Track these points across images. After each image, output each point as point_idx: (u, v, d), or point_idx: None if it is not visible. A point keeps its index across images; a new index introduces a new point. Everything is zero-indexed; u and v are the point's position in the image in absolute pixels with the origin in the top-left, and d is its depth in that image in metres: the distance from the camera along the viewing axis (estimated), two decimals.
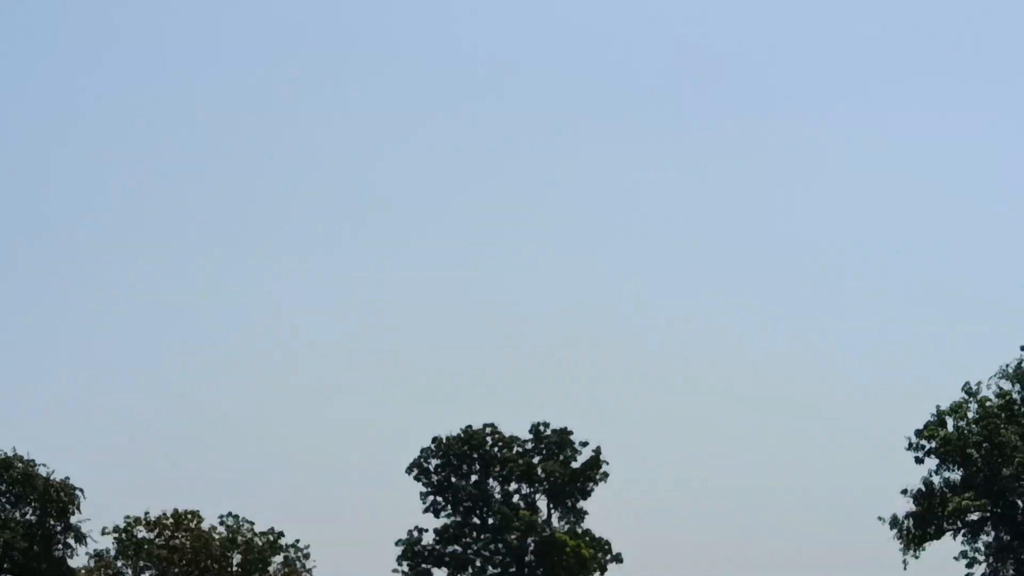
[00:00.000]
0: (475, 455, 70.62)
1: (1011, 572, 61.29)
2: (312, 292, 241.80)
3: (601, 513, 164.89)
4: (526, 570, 68.89)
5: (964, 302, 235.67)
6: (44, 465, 52.15)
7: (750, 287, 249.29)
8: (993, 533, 61.29)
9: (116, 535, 64.13)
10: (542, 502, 70.99)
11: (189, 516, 65.40)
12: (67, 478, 52.56)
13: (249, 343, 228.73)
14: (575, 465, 70.37)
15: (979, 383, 61.49)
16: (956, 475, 61.00)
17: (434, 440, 71.06)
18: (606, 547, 69.66)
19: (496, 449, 71.00)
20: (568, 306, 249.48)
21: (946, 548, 63.03)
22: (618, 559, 70.08)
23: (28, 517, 52.40)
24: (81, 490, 52.55)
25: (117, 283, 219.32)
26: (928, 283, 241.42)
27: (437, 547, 69.83)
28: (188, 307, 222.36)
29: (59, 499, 51.89)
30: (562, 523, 70.56)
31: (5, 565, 51.01)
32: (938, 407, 61.88)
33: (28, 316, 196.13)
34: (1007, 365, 61.20)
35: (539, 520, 69.12)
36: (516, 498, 70.80)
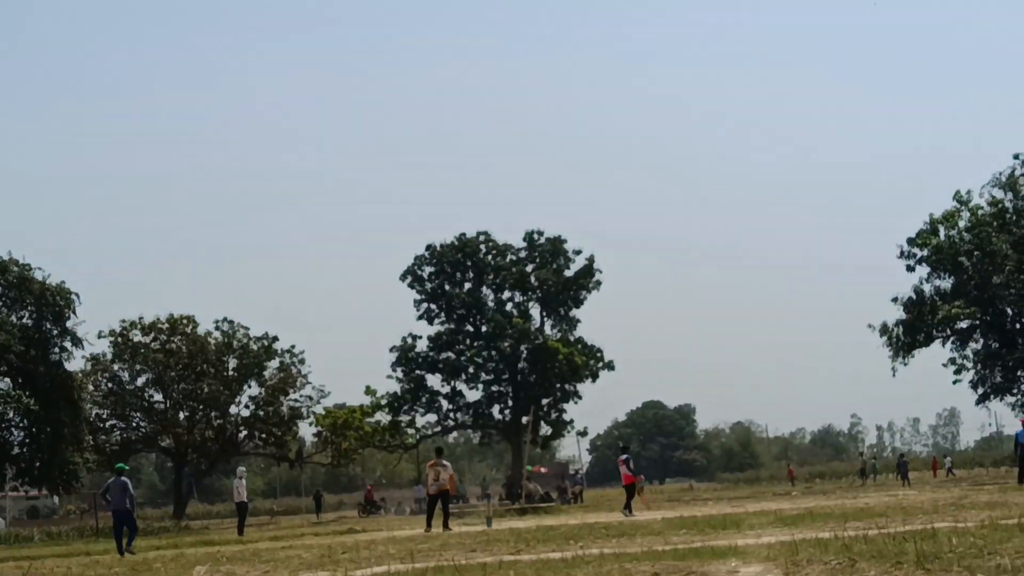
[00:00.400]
0: (469, 263, 70.78)
1: (998, 379, 62.31)
2: (303, 88, 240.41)
3: (593, 321, 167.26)
4: (519, 377, 69.63)
5: (957, 109, 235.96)
6: (40, 269, 52.00)
7: (745, 88, 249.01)
8: (982, 340, 62.16)
9: (112, 339, 64.56)
10: (535, 310, 71.46)
11: (184, 321, 65.72)
12: (63, 282, 52.45)
13: (243, 152, 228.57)
14: (568, 273, 70.60)
15: (969, 192, 61.65)
16: (947, 283, 61.62)
17: (428, 247, 71.11)
18: (598, 355, 70.27)
19: (490, 257, 71.15)
20: (564, 114, 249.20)
21: (935, 355, 63.92)
22: (610, 366, 70.75)
23: (24, 321, 52.33)
24: (77, 294, 52.44)
25: (108, 72, 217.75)
26: (923, 89, 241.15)
27: (431, 354, 70.40)
28: (178, 98, 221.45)
29: (55, 303, 51.72)
30: (555, 331, 71.13)
31: (3, 368, 51.27)
32: (931, 215, 62.21)
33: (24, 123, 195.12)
34: (999, 173, 61.32)
35: (532, 328, 69.59)
36: (509, 306, 71.20)
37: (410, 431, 72.90)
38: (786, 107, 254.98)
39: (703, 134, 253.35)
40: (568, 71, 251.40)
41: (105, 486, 28.58)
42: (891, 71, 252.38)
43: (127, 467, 29.55)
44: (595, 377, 70.08)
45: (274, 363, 68.28)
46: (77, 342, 53.36)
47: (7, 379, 51.89)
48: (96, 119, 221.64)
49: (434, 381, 70.74)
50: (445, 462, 31.16)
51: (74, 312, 52.54)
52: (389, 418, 70.65)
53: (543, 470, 79.57)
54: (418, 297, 71.26)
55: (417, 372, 70.36)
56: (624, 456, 36.61)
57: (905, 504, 26.06)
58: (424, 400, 70.68)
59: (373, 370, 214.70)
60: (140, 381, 66.47)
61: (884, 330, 61.78)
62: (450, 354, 70.08)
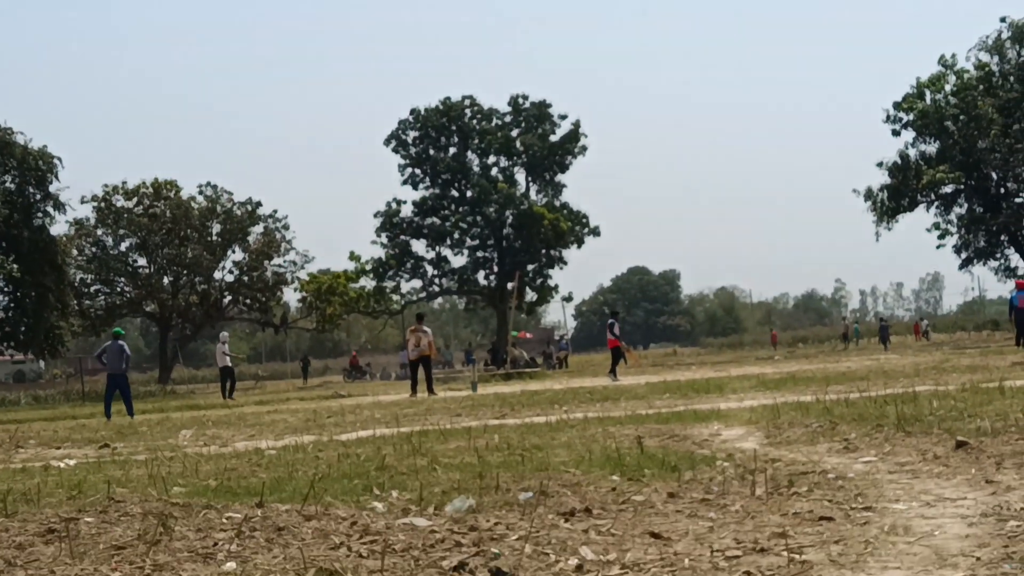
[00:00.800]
0: (453, 127, 70.30)
1: (982, 243, 62.41)
2: None
3: (579, 187, 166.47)
4: (504, 243, 69.62)
5: None
6: (22, 133, 51.48)
7: None
8: (966, 205, 62.08)
9: (95, 204, 64.24)
10: (520, 175, 71.21)
11: (168, 186, 65.35)
12: (45, 146, 51.94)
13: (226, 15, 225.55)
14: (554, 139, 70.20)
15: (955, 55, 61.12)
16: (932, 148, 61.30)
17: (412, 112, 70.57)
18: (583, 220, 70.22)
19: (475, 121, 70.65)
20: None
21: (919, 220, 64.02)
22: (595, 232, 70.80)
23: (7, 185, 51.93)
24: (59, 158, 51.96)
25: None
26: None
27: (416, 219, 70.27)
28: None
29: (38, 167, 51.26)
30: (540, 196, 70.96)
31: None
32: (917, 79, 61.67)
33: None
34: (986, 37, 60.72)
35: (517, 193, 69.40)
36: (495, 171, 70.92)
37: (395, 297, 73.05)
38: None
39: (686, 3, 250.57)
40: None
41: (101, 348, 28.60)
42: None
43: (123, 331, 29.54)
44: (580, 243, 70.11)
45: (258, 228, 68.15)
46: (60, 207, 53.04)
47: None
48: None
49: (419, 247, 70.84)
50: (425, 328, 31.20)
51: (56, 176, 52.15)
52: (374, 284, 70.72)
53: (528, 336, 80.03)
54: (402, 162, 70.93)
55: (402, 238, 70.28)
56: (610, 321, 36.82)
57: (887, 368, 26.26)
58: (409, 266, 70.71)
59: (358, 236, 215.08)
60: (124, 246, 66.38)
61: (869, 195, 61.60)
62: (435, 219, 69.96)
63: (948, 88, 60.73)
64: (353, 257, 70.26)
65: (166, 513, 6.43)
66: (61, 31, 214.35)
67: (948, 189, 60.39)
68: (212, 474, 9.71)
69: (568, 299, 79.57)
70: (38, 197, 52.25)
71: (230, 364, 38.93)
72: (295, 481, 8.60)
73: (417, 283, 72.11)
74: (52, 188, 52.24)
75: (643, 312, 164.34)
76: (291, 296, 75.56)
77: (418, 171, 70.59)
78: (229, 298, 69.33)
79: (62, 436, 19.06)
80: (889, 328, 70.01)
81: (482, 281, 71.44)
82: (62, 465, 11.96)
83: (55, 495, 8.10)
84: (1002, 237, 62.14)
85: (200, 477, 9.51)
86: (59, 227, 56.23)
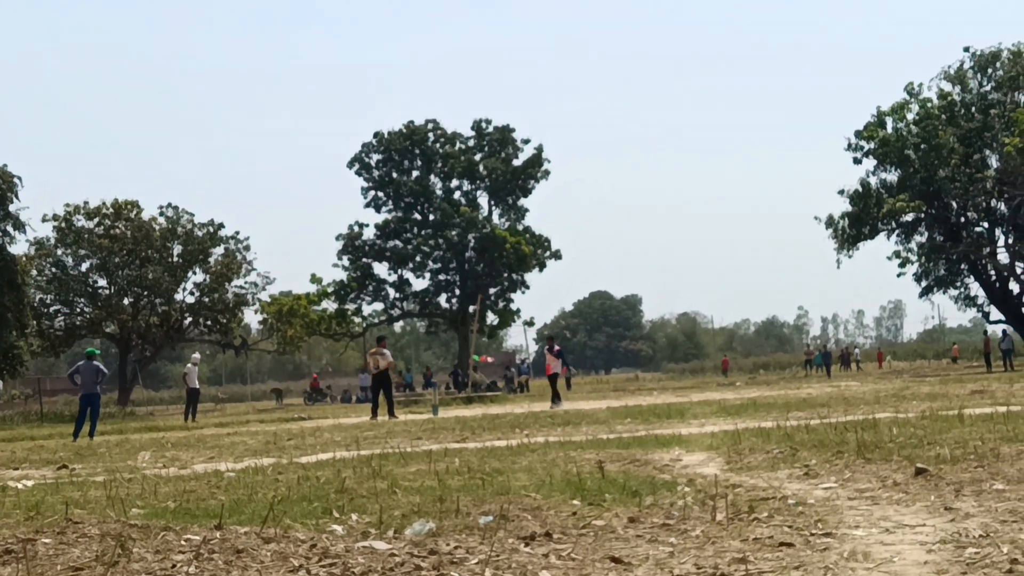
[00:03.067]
0: (417, 151, 70.38)
1: (942, 272, 62.92)
2: None
3: (542, 211, 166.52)
4: (466, 266, 69.64)
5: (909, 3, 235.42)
6: None
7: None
8: (926, 234, 62.54)
9: (56, 223, 63.82)
10: (483, 199, 71.32)
11: (129, 206, 65.00)
12: (5, 165, 51.51)
13: (190, 35, 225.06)
14: (517, 163, 70.35)
15: (921, 84, 61.73)
16: (893, 176, 61.78)
17: (376, 135, 70.63)
18: (546, 244, 70.36)
19: (438, 145, 70.73)
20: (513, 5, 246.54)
21: (880, 248, 64.48)
22: (557, 256, 70.93)
23: None
24: (19, 178, 51.50)
25: None
26: None
27: (378, 242, 70.23)
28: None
29: None
30: (503, 220, 71.05)
31: None
32: (879, 108, 62.22)
33: None
34: (948, 66, 61.36)
35: (480, 217, 69.45)
36: (457, 194, 71.00)
37: (356, 319, 72.89)
38: None
39: (654, 21, 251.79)
40: None
41: (74, 368, 28.44)
42: None
43: (98, 351, 29.37)
44: (542, 267, 70.21)
45: (219, 250, 67.79)
46: (20, 226, 52.50)
47: None
48: (35, 3, 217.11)
49: (381, 269, 70.83)
50: (384, 350, 31.21)
51: (16, 196, 51.65)
52: (335, 306, 70.57)
53: (490, 359, 79.96)
54: (365, 185, 70.93)
55: (364, 260, 70.21)
56: (557, 348, 36.20)
57: (847, 395, 26.40)
58: (371, 288, 70.64)
59: (320, 258, 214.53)
60: (84, 267, 65.90)
61: (830, 222, 62.00)
62: (397, 242, 69.93)
63: (911, 117, 61.25)
64: (315, 279, 70.15)
65: (124, 535, 6.38)
66: (21, 50, 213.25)
67: (909, 217, 60.81)
68: (171, 496, 9.64)
69: (530, 323, 79.75)
70: None
71: (197, 386, 38.77)
72: (254, 503, 8.55)
73: (379, 306, 72.13)
74: (12, 207, 51.73)
75: (605, 337, 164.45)
76: (252, 318, 75.32)
77: (381, 194, 70.59)
78: (190, 319, 68.93)
79: (20, 457, 18.91)
80: (851, 354, 70.88)
81: (444, 304, 71.45)
82: (19, 486, 11.84)
83: (12, 516, 8.02)
84: (962, 266, 62.66)
85: (159, 499, 9.44)
86: (19, 247, 55.70)
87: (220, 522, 6.98)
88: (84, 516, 7.45)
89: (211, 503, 8.79)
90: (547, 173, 70.70)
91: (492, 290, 69.52)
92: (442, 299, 71.35)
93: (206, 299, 67.63)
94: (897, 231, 61.98)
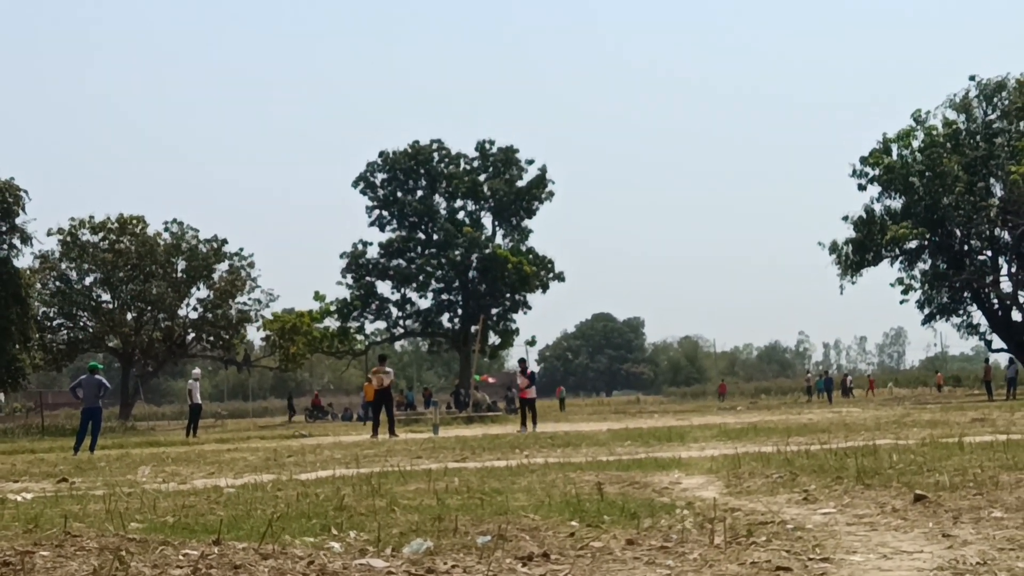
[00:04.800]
0: (421, 170, 70.35)
1: (945, 299, 62.92)
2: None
3: (545, 232, 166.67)
4: (469, 286, 69.58)
5: (917, 29, 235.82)
6: None
7: (702, 13, 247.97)
8: (929, 261, 62.53)
9: (61, 237, 63.91)
10: (487, 219, 71.24)
11: (134, 221, 65.11)
12: (11, 178, 51.64)
13: (198, 53, 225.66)
14: (520, 184, 70.29)
15: (928, 112, 61.82)
16: (897, 203, 61.81)
17: (381, 154, 70.62)
18: (549, 265, 70.26)
19: (442, 165, 70.77)
20: (519, 24, 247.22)
21: (883, 275, 64.42)
22: (560, 278, 70.80)
23: None
24: (26, 191, 51.63)
25: None
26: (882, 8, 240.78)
27: (382, 260, 70.16)
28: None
29: (4, 199, 50.88)
30: (506, 241, 71.00)
31: None
32: (884, 135, 62.30)
33: None
34: (954, 95, 61.48)
35: (483, 237, 69.41)
36: (461, 215, 70.96)
37: (359, 337, 72.81)
38: (746, 16, 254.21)
39: (658, 47, 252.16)
40: None
41: (76, 382, 28.47)
42: None
43: (101, 366, 29.41)
44: (545, 288, 70.10)
45: (223, 266, 67.90)
46: (26, 239, 52.59)
47: None
48: (46, 19, 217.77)
49: (384, 288, 70.67)
50: (388, 368, 31.29)
51: (23, 209, 51.77)
52: (338, 324, 70.52)
53: (491, 380, 79.88)
54: (370, 204, 70.89)
55: (367, 279, 70.12)
56: (531, 371, 35.83)
57: (848, 421, 26.38)
58: (374, 307, 70.56)
59: (323, 276, 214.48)
60: (88, 281, 65.96)
61: (834, 248, 62.07)
62: (401, 261, 69.88)
63: (916, 144, 61.32)
64: (318, 297, 70.13)
65: (122, 548, 6.39)
66: (28, 64, 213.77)
67: (912, 245, 60.80)
68: (170, 511, 9.65)
69: (531, 343, 79.57)
70: (4, 229, 51.83)
71: (199, 401, 38.79)
72: (253, 519, 8.55)
73: (381, 324, 71.99)
74: (18, 220, 51.85)
75: (606, 359, 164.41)
76: (255, 334, 75.33)
77: (385, 213, 70.56)
78: (192, 335, 68.98)
79: (20, 470, 18.92)
80: (834, 382, 71.87)
81: (446, 324, 71.35)
82: (19, 499, 11.85)
83: (11, 528, 8.03)
84: (965, 294, 62.66)
85: (158, 513, 9.45)
86: (24, 260, 55.76)
87: (218, 537, 6.98)
88: (83, 530, 7.46)
89: (210, 518, 8.80)
90: (551, 194, 70.67)
91: (494, 310, 69.43)
92: (444, 318, 71.27)
93: (209, 315, 67.69)
94: (900, 258, 61.98)
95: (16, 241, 52.23)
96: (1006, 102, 59.95)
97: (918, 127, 61.48)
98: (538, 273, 68.96)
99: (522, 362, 37.22)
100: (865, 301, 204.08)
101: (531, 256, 69.45)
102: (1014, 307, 60.28)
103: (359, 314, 70.44)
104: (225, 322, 67.70)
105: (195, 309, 68.27)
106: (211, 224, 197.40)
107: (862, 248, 61.18)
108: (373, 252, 70.42)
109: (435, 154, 70.65)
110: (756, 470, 11.62)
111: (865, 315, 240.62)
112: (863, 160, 62.07)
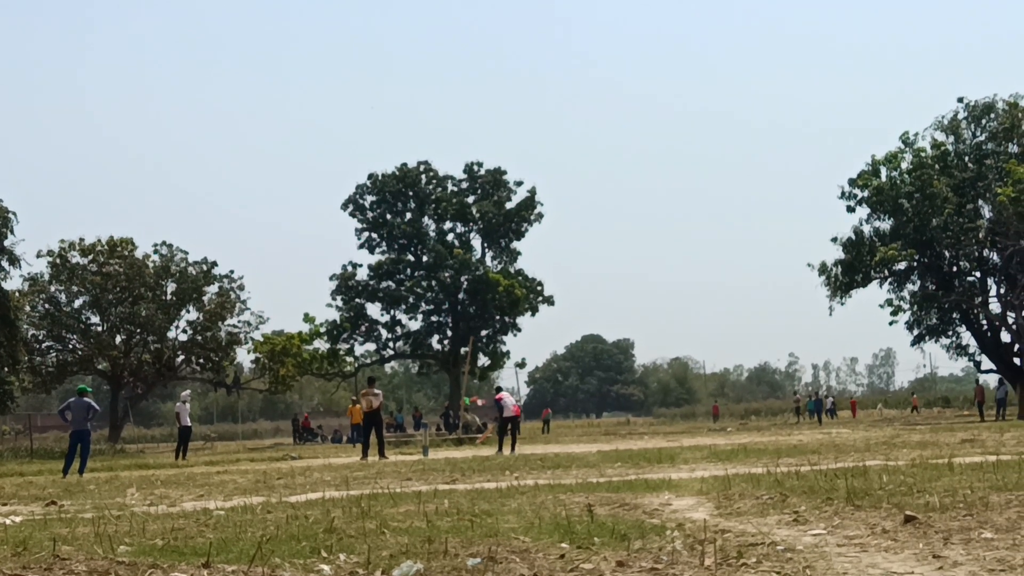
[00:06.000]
0: (410, 193, 70.43)
1: (934, 320, 62.99)
2: (245, 11, 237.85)
3: (535, 254, 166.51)
4: (458, 308, 69.60)
5: (905, 52, 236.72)
6: None
7: (691, 18, 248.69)
8: (919, 282, 62.59)
9: (50, 259, 63.78)
10: (476, 241, 71.30)
11: (123, 243, 65.01)
12: (0, 200, 51.57)
13: (187, 75, 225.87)
14: (510, 206, 70.37)
15: (917, 134, 61.99)
16: (886, 225, 61.87)
17: (370, 176, 70.70)
18: (538, 288, 70.32)
19: (431, 187, 70.85)
20: (506, 47, 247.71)
21: (872, 296, 64.45)
22: (550, 301, 70.91)
23: None
24: (14, 213, 51.54)
25: None
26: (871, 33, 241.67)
27: (371, 283, 70.18)
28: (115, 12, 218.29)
29: None
30: (496, 263, 71.04)
31: None
32: (873, 156, 62.41)
33: None
34: (942, 117, 61.63)
35: (473, 259, 69.45)
36: (451, 237, 71.02)
37: (348, 359, 72.79)
38: (732, 39, 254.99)
39: (647, 71, 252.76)
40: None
41: (65, 404, 28.43)
42: (842, 9, 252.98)
43: (90, 388, 29.38)
44: (535, 310, 70.12)
45: (213, 288, 67.78)
46: (14, 261, 52.46)
47: None
48: (35, 42, 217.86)
49: (374, 310, 70.67)
50: (377, 390, 31.32)
51: (12, 231, 51.67)
52: (327, 346, 70.49)
53: (480, 402, 79.81)
54: (359, 226, 70.93)
55: (357, 301, 70.15)
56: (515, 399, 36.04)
57: (838, 442, 26.40)
58: (363, 329, 70.57)
59: (313, 298, 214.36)
60: (77, 303, 65.81)
61: (823, 269, 62.09)
62: (390, 283, 69.91)
63: (904, 166, 61.45)
64: (308, 319, 70.09)
65: (111, 572, 6.37)
66: (19, 85, 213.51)
67: (901, 266, 60.81)
68: (159, 533, 9.62)
69: (521, 365, 79.67)
70: None
71: (189, 424, 38.70)
72: (242, 542, 8.53)
73: (371, 346, 72.00)
74: (7, 242, 51.74)
75: (596, 380, 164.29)
76: (244, 356, 75.18)
77: (375, 235, 70.62)
78: (182, 357, 68.83)
79: (9, 493, 18.86)
80: (823, 404, 72.34)
81: (436, 346, 71.37)
82: (8, 522, 11.81)
83: (0, 551, 8.00)
84: (954, 315, 62.73)
85: (147, 536, 9.42)
86: (13, 282, 55.63)
87: (208, 560, 6.97)
88: (71, 553, 7.43)
89: (199, 541, 8.77)
90: (540, 216, 70.74)
91: (484, 332, 69.44)
92: (434, 340, 71.29)
93: (199, 337, 67.56)
94: (889, 279, 62.02)
95: (5, 263, 52.10)
96: (994, 124, 60.10)
97: (907, 149, 61.63)
98: (527, 295, 68.98)
99: (498, 390, 37.33)
100: (855, 322, 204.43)
101: (521, 278, 69.49)
102: (1003, 328, 60.32)
103: (349, 336, 70.45)
104: (214, 344, 67.57)
105: (184, 331, 68.18)
106: (201, 246, 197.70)
107: (851, 269, 61.22)
108: (363, 274, 70.52)
109: (423, 176, 70.77)
110: (746, 491, 11.62)
111: (855, 336, 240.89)
112: (852, 182, 62.18)
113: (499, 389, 37.56)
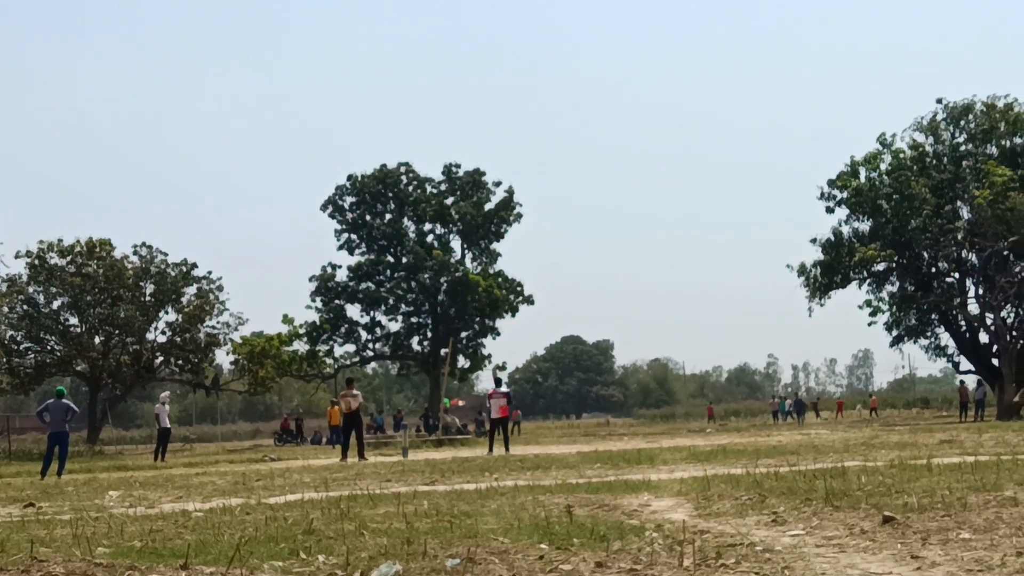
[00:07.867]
0: (390, 194, 70.36)
1: (912, 321, 63.26)
2: (228, 12, 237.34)
3: (514, 255, 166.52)
4: (438, 309, 69.58)
5: (883, 55, 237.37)
6: None
7: (671, 20, 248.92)
8: (897, 283, 62.83)
9: (29, 260, 63.47)
10: (456, 243, 71.29)
11: (102, 245, 64.71)
12: None
13: (166, 74, 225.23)
14: (488, 207, 70.37)
15: (895, 135, 62.21)
16: (865, 226, 62.07)
17: (349, 178, 70.60)
18: (518, 289, 70.31)
19: (410, 188, 70.79)
20: (485, 47, 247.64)
21: (851, 297, 64.58)
22: (529, 301, 70.86)
23: None
24: None
25: None
26: (850, 31, 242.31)
27: (351, 284, 70.09)
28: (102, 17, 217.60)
29: None
30: (475, 264, 71.03)
31: None
32: (852, 158, 62.65)
33: None
34: (921, 118, 61.86)
35: (452, 260, 69.42)
36: (430, 238, 70.97)
37: (328, 361, 72.70)
38: (712, 41, 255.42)
39: (626, 69, 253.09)
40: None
41: (43, 406, 28.31)
42: (822, 10, 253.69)
43: (66, 391, 29.26)
44: (514, 311, 70.13)
45: (192, 289, 67.51)
46: None
47: None
48: (18, 46, 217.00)
49: (353, 311, 70.57)
50: (356, 391, 31.33)
51: None
52: (307, 347, 70.38)
53: (461, 403, 79.83)
54: (339, 227, 70.85)
55: (336, 302, 70.04)
56: (507, 390, 35.86)
57: (817, 443, 26.46)
58: (343, 330, 70.47)
59: (292, 299, 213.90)
60: (56, 304, 65.50)
61: (802, 271, 62.24)
62: (370, 284, 69.83)
63: (883, 167, 61.64)
64: (287, 320, 69.90)
65: (89, 573, 6.35)
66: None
67: (880, 267, 61.06)
68: (137, 535, 9.59)
69: (501, 367, 79.58)
70: None
71: (168, 425, 38.58)
72: (221, 544, 8.51)
73: (351, 347, 71.89)
74: None
75: (576, 381, 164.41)
76: (223, 358, 74.94)
77: (354, 236, 70.53)
78: (161, 359, 68.58)
79: None
80: (804, 405, 72.73)
81: (416, 347, 71.32)
82: None
83: None
84: (932, 316, 63.02)
85: (125, 538, 9.39)
86: None
87: (186, 562, 6.95)
88: (49, 555, 7.40)
89: (177, 543, 8.75)
90: (519, 216, 70.74)
91: (464, 333, 69.44)
92: (414, 342, 71.24)
93: (178, 339, 67.29)
94: (868, 280, 62.28)
95: None
96: (973, 125, 60.37)
97: (885, 150, 61.83)
98: (507, 296, 68.99)
99: (497, 379, 37.18)
100: (834, 323, 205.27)
101: (500, 279, 69.47)
102: (981, 329, 60.60)
103: (328, 337, 70.38)
104: (194, 346, 67.31)
105: (163, 333, 67.88)
106: (180, 248, 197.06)
107: (830, 270, 61.40)
108: (342, 275, 70.41)
109: (403, 177, 70.71)
110: (725, 492, 11.63)
111: (834, 337, 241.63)
112: (831, 183, 62.37)
113: (499, 382, 37.18)
